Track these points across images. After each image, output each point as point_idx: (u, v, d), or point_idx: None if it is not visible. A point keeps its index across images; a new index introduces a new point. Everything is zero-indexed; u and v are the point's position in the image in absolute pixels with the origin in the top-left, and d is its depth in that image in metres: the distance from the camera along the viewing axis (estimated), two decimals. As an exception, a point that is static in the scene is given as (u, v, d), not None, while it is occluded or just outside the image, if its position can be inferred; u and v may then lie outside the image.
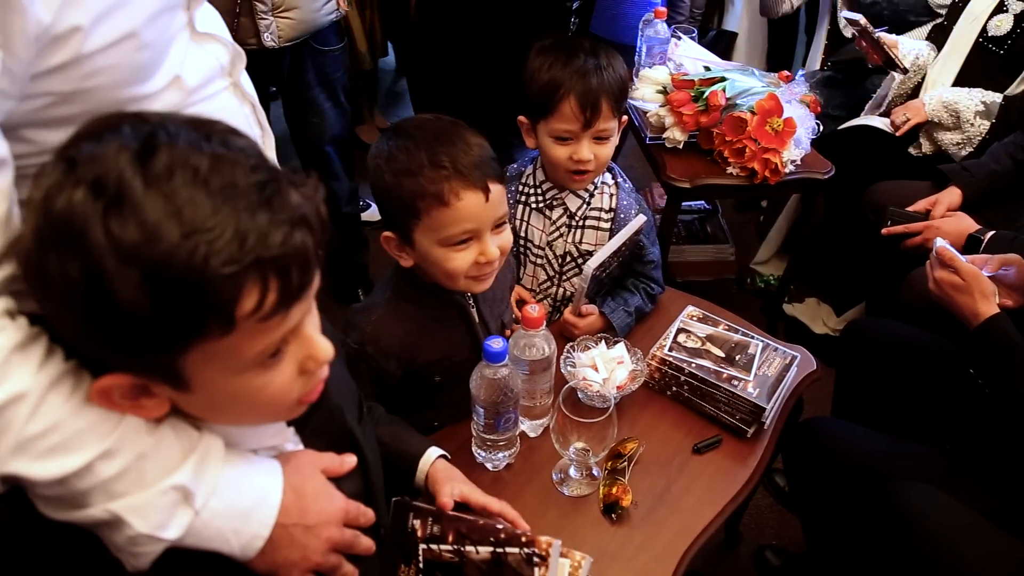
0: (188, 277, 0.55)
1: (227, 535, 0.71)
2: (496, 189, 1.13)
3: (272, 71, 2.09)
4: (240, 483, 0.72)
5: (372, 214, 2.87)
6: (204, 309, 0.57)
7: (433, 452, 1.13)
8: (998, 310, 1.35)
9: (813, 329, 2.54)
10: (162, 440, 0.68)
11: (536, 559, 0.95)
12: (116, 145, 0.57)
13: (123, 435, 0.66)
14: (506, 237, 1.20)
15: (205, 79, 0.98)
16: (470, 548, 0.96)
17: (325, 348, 0.70)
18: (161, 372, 0.62)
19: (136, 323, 0.56)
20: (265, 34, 1.93)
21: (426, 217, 1.12)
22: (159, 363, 0.61)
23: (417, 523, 1.00)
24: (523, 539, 0.96)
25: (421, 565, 0.99)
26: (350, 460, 0.86)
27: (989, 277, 1.39)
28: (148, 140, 0.57)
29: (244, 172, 0.59)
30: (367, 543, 0.86)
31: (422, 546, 0.99)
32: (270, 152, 1.21)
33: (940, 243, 1.46)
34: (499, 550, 0.96)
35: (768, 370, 1.38)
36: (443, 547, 0.98)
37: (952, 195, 1.95)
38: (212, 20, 1.03)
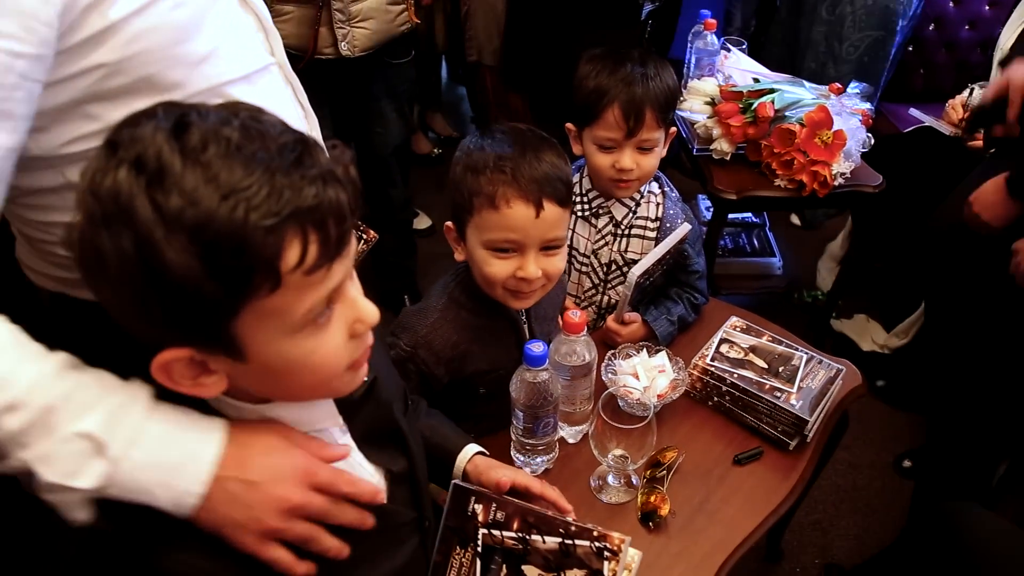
0: (231, 235, 0.58)
1: (154, 489, 0.69)
2: (553, 210, 1.13)
3: (342, 81, 2.13)
4: (170, 435, 0.71)
5: (420, 221, 2.90)
6: (250, 265, 0.59)
7: (471, 448, 1.15)
8: None
9: (861, 346, 2.49)
10: (76, 390, 0.68)
11: (607, 553, 0.98)
12: (152, 126, 0.60)
13: (31, 387, 0.67)
14: (556, 263, 1.20)
15: (247, 49, 1.01)
16: (536, 537, 0.99)
17: (371, 310, 0.72)
18: (217, 340, 0.64)
19: (189, 288, 0.59)
20: (342, 43, 1.98)
21: (477, 215, 1.15)
22: (215, 329, 0.63)
23: (479, 508, 1.02)
24: (595, 533, 0.99)
25: (479, 549, 1.01)
26: (340, 450, 0.81)
27: None
28: (181, 119, 0.61)
29: (272, 138, 0.62)
30: (352, 515, 0.79)
31: (482, 531, 1.01)
32: (315, 133, 1.25)
33: None
34: (568, 542, 0.99)
35: (812, 383, 1.37)
36: (506, 534, 1.01)
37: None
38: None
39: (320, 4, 1.89)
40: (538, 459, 1.28)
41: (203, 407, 0.73)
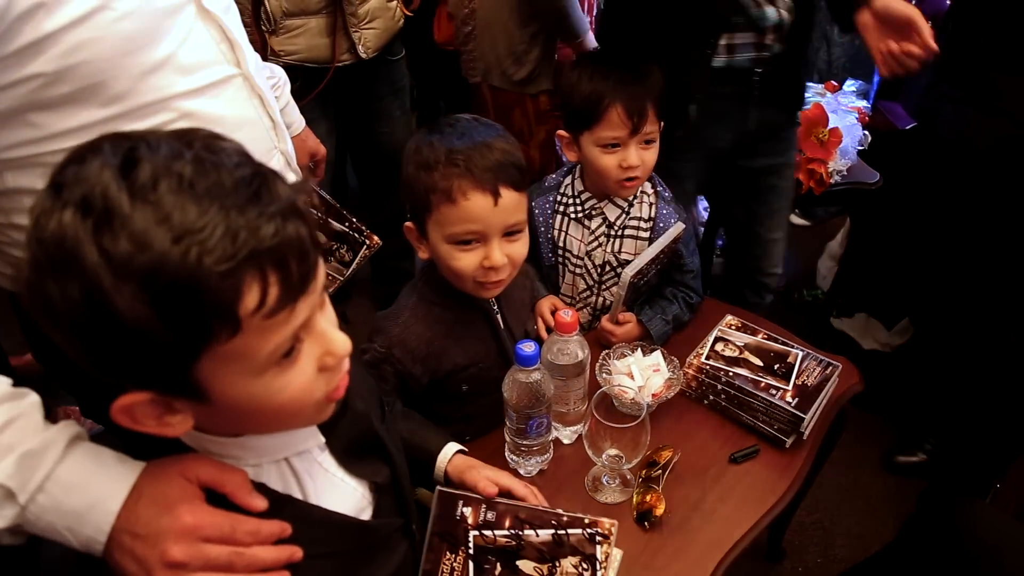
0: (185, 281, 0.55)
1: (63, 532, 0.71)
2: (509, 196, 1.14)
3: (346, 84, 2.13)
4: (79, 483, 0.71)
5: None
6: (207, 311, 0.56)
7: (451, 447, 1.15)
8: None
9: (862, 344, 2.48)
10: None
11: (599, 537, 1.01)
12: (99, 163, 0.57)
13: None
14: (519, 247, 1.20)
15: (205, 60, 1.00)
16: (529, 532, 1.01)
17: (342, 342, 0.70)
18: (178, 385, 0.61)
19: (144, 337, 0.56)
20: (359, 46, 2.00)
21: (436, 212, 1.15)
22: (174, 376, 0.60)
23: (468, 511, 1.03)
24: (585, 521, 1.02)
25: (471, 551, 1.01)
26: (253, 501, 0.74)
27: None
28: (129, 154, 0.57)
29: (228, 172, 0.58)
30: (269, 557, 0.74)
31: (473, 533, 1.02)
32: (286, 144, 1.25)
33: None
34: (560, 532, 1.01)
35: (808, 380, 1.36)
36: (498, 533, 1.02)
37: None
38: (225, 5, 1.06)
39: (334, 11, 1.90)
40: (532, 460, 1.27)
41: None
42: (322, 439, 0.82)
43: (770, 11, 1.57)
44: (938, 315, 1.96)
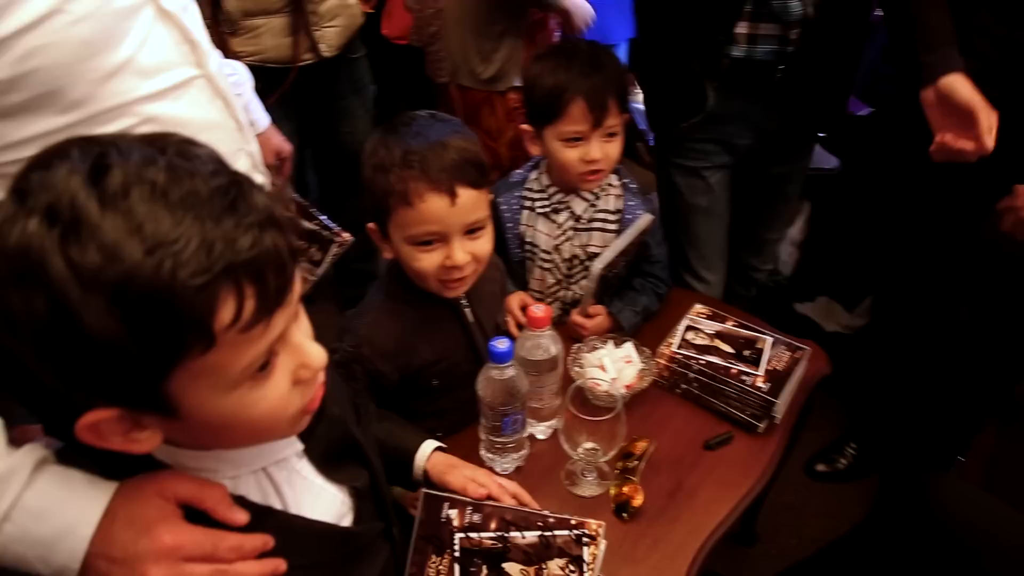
0: (158, 294, 0.53)
1: (34, 563, 0.68)
2: (467, 194, 1.13)
3: (308, 85, 2.10)
4: (48, 509, 0.69)
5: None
6: (181, 326, 0.54)
7: (429, 445, 1.14)
8: None
9: (824, 327, 2.52)
10: None
11: (586, 539, 1.02)
12: (66, 169, 0.54)
13: None
14: (482, 244, 1.20)
15: (166, 62, 0.98)
16: (515, 534, 1.01)
17: (318, 355, 0.68)
18: (147, 401, 0.59)
19: (113, 352, 0.53)
20: (321, 45, 1.96)
21: (394, 214, 1.14)
22: (144, 392, 0.58)
23: (453, 513, 1.03)
24: (572, 522, 1.02)
25: (457, 554, 1.01)
26: (234, 515, 0.73)
27: None
28: (99, 160, 0.55)
29: (203, 180, 0.56)
30: (253, 571, 0.73)
31: (459, 535, 1.02)
32: (251, 145, 1.23)
33: None
34: (547, 534, 1.01)
35: (778, 365, 1.38)
36: (484, 535, 1.02)
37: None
38: (185, 1, 1.04)
39: (294, 10, 1.87)
40: (508, 457, 1.27)
41: None
42: (300, 446, 0.81)
43: (795, 5, 1.52)
44: (896, 295, 2.00)
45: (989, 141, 1.36)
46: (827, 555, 1.60)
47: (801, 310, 2.60)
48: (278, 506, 0.77)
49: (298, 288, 0.64)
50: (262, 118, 1.57)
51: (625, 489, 1.22)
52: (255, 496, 0.75)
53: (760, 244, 2.04)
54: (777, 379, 1.35)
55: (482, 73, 2.24)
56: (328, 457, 0.85)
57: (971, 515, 1.28)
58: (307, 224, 1.65)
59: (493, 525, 1.03)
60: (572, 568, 1.00)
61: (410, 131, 1.15)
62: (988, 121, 1.36)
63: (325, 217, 1.71)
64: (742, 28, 1.56)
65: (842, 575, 1.52)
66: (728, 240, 1.94)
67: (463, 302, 1.29)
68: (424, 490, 1.06)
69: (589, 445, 1.22)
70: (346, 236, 1.63)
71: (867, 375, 2.09)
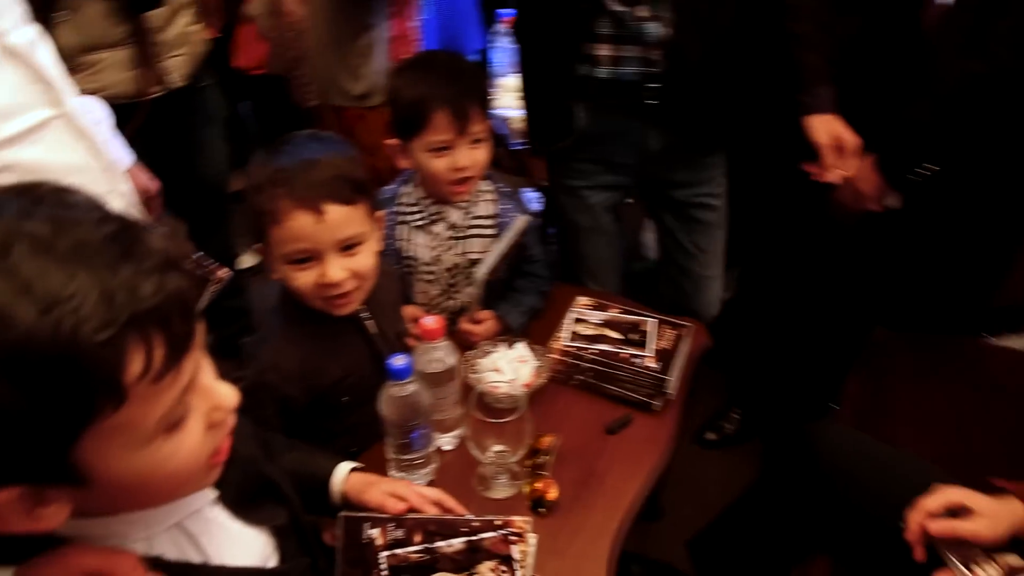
0: (60, 356, 0.49)
1: None
2: (337, 211, 1.13)
3: (159, 118, 1.99)
4: None
5: (245, 260, 2.78)
6: (89, 386, 0.51)
7: (343, 467, 1.12)
8: None
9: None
10: None
11: (513, 536, 1.03)
12: None
13: None
14: (361, 260, 1.20)
15: (19, 104, 0.93)
16: (442, 543, 0.99)
17: (229, 394, 0.66)
18: (55, 473, 0.55)
19: (12, 425, 0.50)
20: (168, 76, 1.88)
21: (268, 234, 1.15)
22: (51, 463, 0.54)
23: (376, 532, 1.01)
24: (497, 523, 1.03)
25: (385, 573, 0.99)
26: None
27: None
28: None
29: (90, 228, 0.53)
30: None
31: (384, 554, 1.00)
32: (121, 185, 1.18)
33: None
34: (474, 538, 1.02)
35: (664, 344, 1.44)
36: (410, 549, 1.01)
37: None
38: (32, 36, 0.98)
39: (136, 42, 1.78)
40: (419, 473, 1.26)
41: None
42: (213, 494, 0.78)
43: (651, 26, 1.53)
44: (760, 265, 2.13)
45: (829, 176, 1.59)
46: (728, 517, 1.69)
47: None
48: (198, 560, 0.74)
49: (203, 329, 0.61)
50: (125, 155, 1.49)
51: (538, 485, 1.24)
52: (172, 554, 0.72)
53: (694, 282, 1.93)
54: (666, 357, 1.41)
55: (353, 90, 2.17)
56: (243, 500, 0.82)
57: (850, 454, 1.38)
58: None
59: (418, 538, 1.02)
60: (503, 568, 1.01)
61: (285, 151, 1.15)
62: (830, 159, 1.59)
63: (199, 253, 1.65)
64: (605, 50, 1.57)
65: (744, 533, 1.60)
66: (619, 257, 1.97)
67: (364, 315, 1.28)
68: (341, 514, 1.04)
69: (497, 448, 1.23)
70: (223, 272, 1.57)
71: (741, 342, 2.22)
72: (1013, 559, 1.15)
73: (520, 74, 1.77)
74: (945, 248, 1.75)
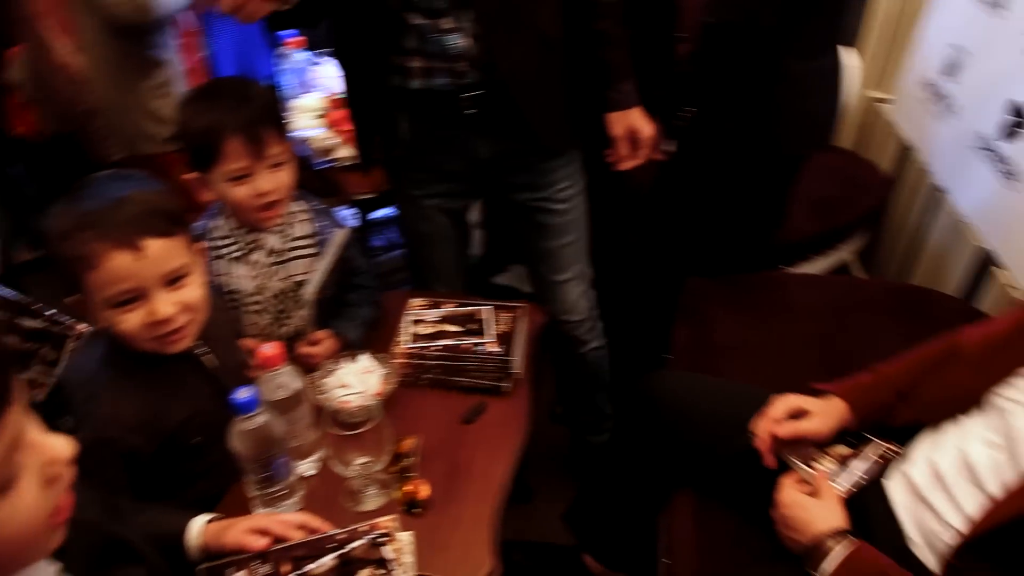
0: None
1: None
2: (156, 244, 1.10)
3: None
4: None
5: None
6: None
7: (197, 522, 1.08)
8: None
9: (524, 290, 2.73)
10: None
11: (382, 538, 1.03)
12: None
13: None
14: (191, 292, 1.17)
15: None
16: (312, 566, 0.98)
17: (62, 446, 0.62)
18: None
19: None
20: None
21: (84, 281, 1.09)
22: None
23: (242, 574, 0.96)
24: (362, 529, 1.03)
25: None
26: None
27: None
28: None
29: None
30: None
31: None
32: None
33: None
34: (343, 551, 1.00)
35: (503, 328, 1.49)
36: None
37: None
38: None
39: None
40: (285, 504, 1.23)
41: None
42: (56, 565, 0.72)
43: (452, 38, 1.50)
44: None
45: (623, 165, 1.73)
46: (592, 480, 1.77)
47: (499, 281, 2.80)
48: None
49: (21, 385, 0.58)
50: None
51: (408, 487, 1.25)
52: None
53: (550, 289, 1.89)
54: (506, 340, 1.46)
55: (160, 133, 1.99)
56: (93, 567, 0.77)
57: (687, 395, 1.50)
58: (31, 323, 1.46)
59: (287, 568, 1.00)
60: (381, 571, 1.01)
61: (87, 194, 1.09)
62: (623, 151, 1.71)
63: (53, 311, 1.52)
64: (416, 62, 1.55)
65: (609, 492, 1.69)
66: (462, 259, 1.97)
67: (200, 350, 1.23)
68: (200, 567, 1.00)
69: (361, 460, 1.22)
70: (82, 327, 1.46)
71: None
72: (842, 449, 1.30)
73: (345, 88, 1.75)
74: (724, 194, 1.92)
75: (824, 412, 1.32)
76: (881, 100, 2.90)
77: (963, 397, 1.21)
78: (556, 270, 1.86)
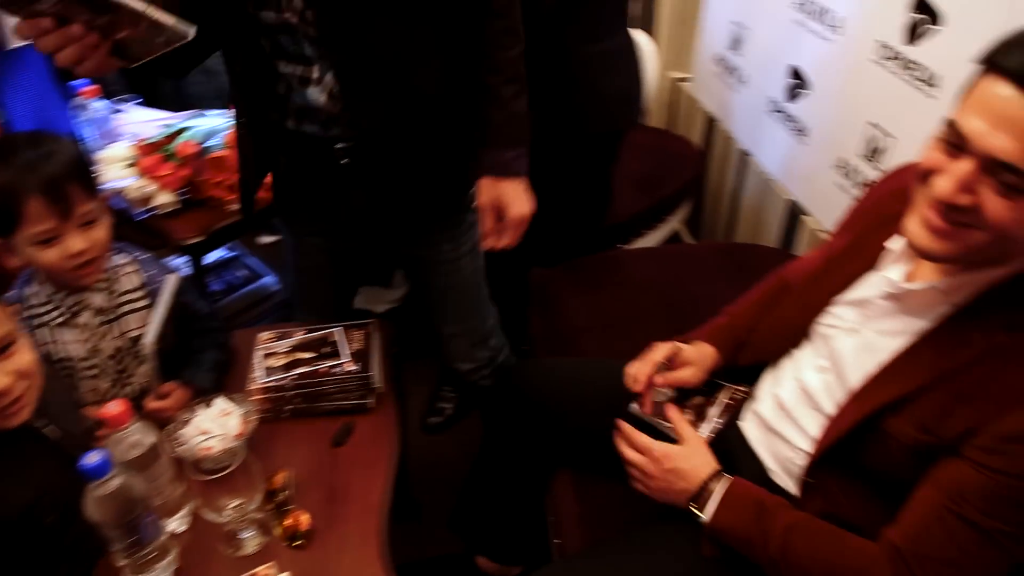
0: None
1: None
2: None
3: None
4: None
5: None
6: None
7: None
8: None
9: (377, 310, 2.73)
10: None
11: None
12: None
13: None
14: (19, 359, 1.10)
15: None
16: None
17: None
18: None
19: None
20: None
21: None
22: None
23: None
24: None
25: None
26: None
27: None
28: None
29: None
30: None
31: None
32: None
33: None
34: None
35: (357, 346, 1.48)
36: None
37: None
38: None
39: None
40: (158, 568, 1.17)
41: None
42: None
43: (312, 92, 1.41)
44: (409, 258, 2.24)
45: (486, 244, 1.61)
46: (471, 482, 1.79)
47: (357, 305, 2.76)
48: None
49: None
50: None
51: (288, 521, 1.22)
52: None
53: (443, 338, 1.86)
54: (362, 356, 1.45)
55: None
56: None
57: (549, 379, 1.55)
58: None
59: None
60: None
61: None
62: (487, 224, 1.57)
63: None
64: (292, 104, 1.47)
65: (489, 489, 1.71)
66: (342, 298, 1.92)
67: (40, 423, 1.14)
68: None
69: (234, 503, 1.18)
70: None
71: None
72: (697, 399, 1.39)
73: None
74: (546, 181, 1.92)
75: (697, 357, 1.41)
76: (682, 79, 3.12)
77: (792, 331, 1.32)
78: (441, 322, 1.84)
